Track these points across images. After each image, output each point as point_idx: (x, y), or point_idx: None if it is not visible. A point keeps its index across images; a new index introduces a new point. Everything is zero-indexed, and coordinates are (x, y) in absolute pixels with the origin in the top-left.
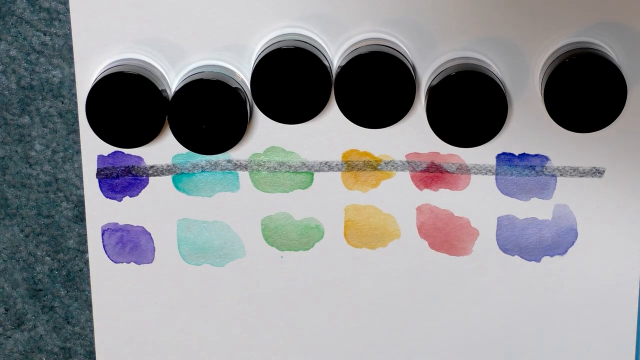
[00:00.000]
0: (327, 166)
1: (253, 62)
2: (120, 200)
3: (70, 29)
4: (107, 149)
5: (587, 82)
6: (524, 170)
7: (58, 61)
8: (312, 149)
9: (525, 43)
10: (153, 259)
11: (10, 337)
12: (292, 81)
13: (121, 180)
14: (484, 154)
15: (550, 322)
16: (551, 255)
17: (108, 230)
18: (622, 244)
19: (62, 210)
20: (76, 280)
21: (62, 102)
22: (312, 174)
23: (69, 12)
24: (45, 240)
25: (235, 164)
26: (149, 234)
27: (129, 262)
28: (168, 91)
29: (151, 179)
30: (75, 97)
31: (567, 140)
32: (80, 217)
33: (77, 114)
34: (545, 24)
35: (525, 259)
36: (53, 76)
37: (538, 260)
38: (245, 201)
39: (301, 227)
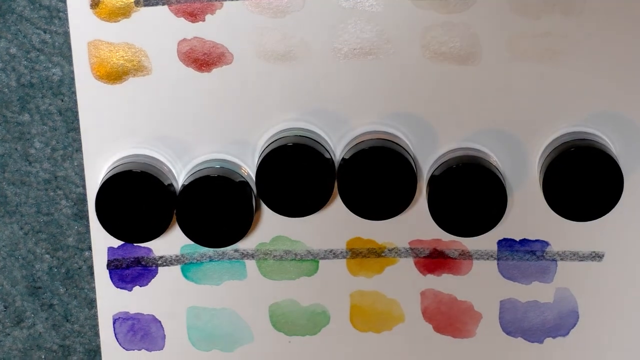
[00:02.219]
0: (332, 254)
1: (257, 156)
2: (130, 290)
3: (69, 28)
4: (117, 241)
5: (585, 174)
6: (524, 255)
7: (58, 59)
8: (317, 237)
9: (523, 133)
10: (164, 346)
11: (9, 334)
12: (296, 176)
13: (131, 271)
14: (486, 240)
15: None
16: (553, 337)
17: (119, 319)
18: (623, 325)
19: (62, 208)
20: (75, 278)
21: (62, 100)
22: (318, 262)
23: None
24: (44, 238)
25: (243, 253)
26: (159, 321)
27: (140, 349)
28: (175, 184)
29: (160, 268)
30: (75, 95)
31: (566, 226)
32: (79, 215)
33: (78, 118)
34: (543, 114)
35: (528, 341)
36: (53, 74)
37: (541, 341)
38: (253, 289)
39: (308, 312)
